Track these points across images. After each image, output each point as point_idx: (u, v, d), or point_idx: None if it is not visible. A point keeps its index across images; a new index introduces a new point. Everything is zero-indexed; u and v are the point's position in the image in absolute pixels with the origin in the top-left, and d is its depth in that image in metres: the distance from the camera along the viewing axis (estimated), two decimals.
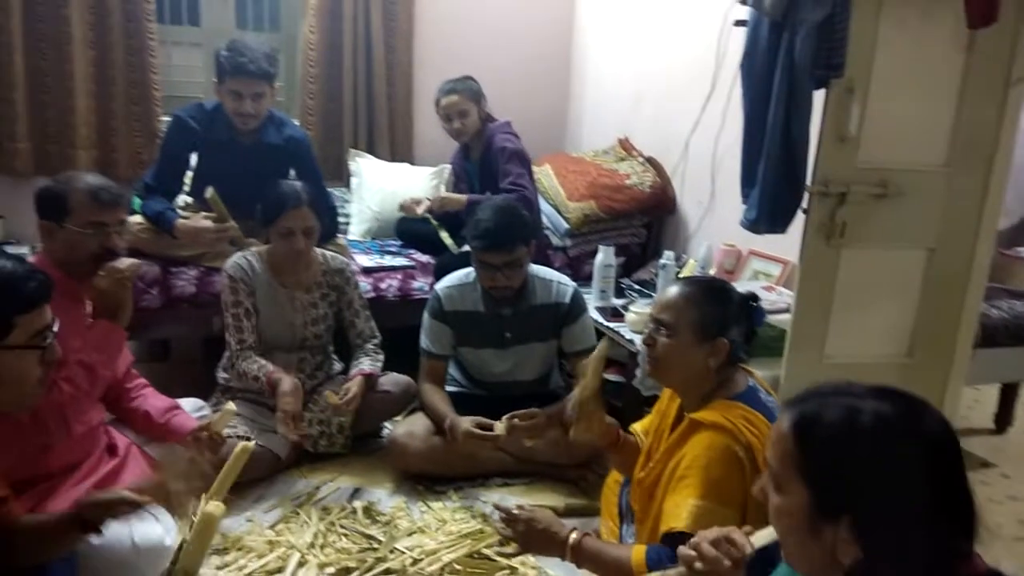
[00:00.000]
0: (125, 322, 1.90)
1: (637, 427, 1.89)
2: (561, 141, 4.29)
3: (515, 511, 1.65)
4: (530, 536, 1.63)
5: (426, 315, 2.51)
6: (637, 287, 3.14)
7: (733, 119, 2.67)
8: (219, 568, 1.93)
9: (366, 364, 2.53)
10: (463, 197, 3.04)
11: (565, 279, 2.56)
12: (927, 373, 2.30)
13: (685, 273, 3.04)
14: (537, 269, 2.54)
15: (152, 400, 2.08)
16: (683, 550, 1.15)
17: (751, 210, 2.18)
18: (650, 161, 3.52)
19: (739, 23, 2.29)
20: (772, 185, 2.10)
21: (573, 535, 1.59)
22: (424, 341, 2.52)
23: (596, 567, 1.58)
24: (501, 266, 2.33)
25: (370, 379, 2.49)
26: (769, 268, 2.83)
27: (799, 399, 1.02)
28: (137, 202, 2.90)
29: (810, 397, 1.01)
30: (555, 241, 3.40)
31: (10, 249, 3.14)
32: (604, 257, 2.96)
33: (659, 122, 3.51)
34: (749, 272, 2.89)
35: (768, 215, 2.14)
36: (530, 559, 2.03)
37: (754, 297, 1.67)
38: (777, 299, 2.50)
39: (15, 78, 3.27)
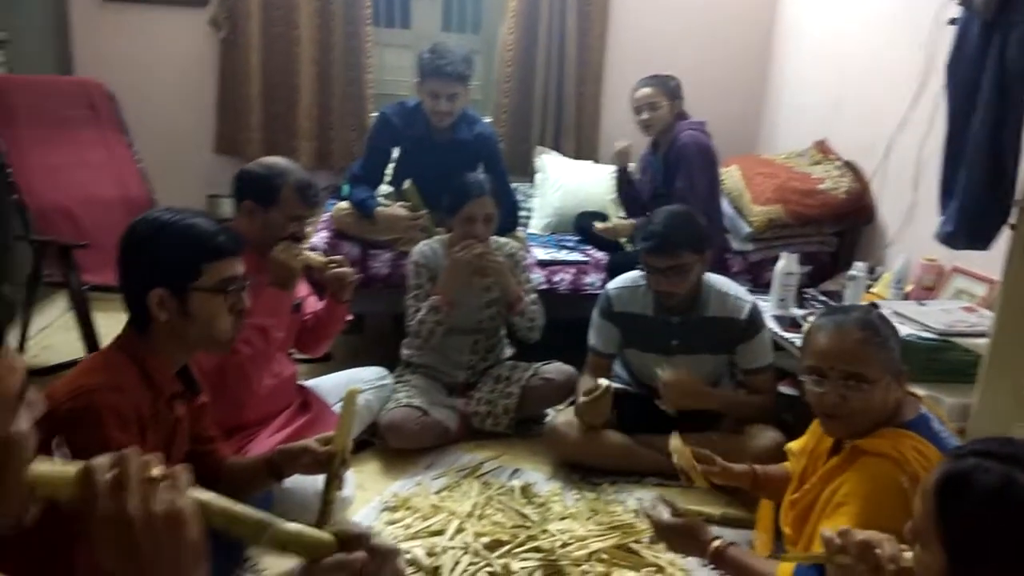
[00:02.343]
0: (292, 289, 2.13)
1: (793, 446, 1.84)
2: (754, 143, 4.17)
3: (654, 516, 1.67)
4: (672, 534, 1.65)
5: (595, 313, 2.56)
6: (823, 298, 2.99)
7: (940, 123, 2.48)
8: (388, 524, 2.13)
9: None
10: (630, 223, 3.08)
11: (743, 293, 2.49)
12: None
13: (879, 287, 2.87)
14: (714, 280, 2.48)
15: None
16: (826, 532, 1.13)
17: (948, 223, 2.03)
18: (848, 165, 3.34)
19: (952, 22, 2.13)
20: (974, 197, 1.94)
21: (717, 541, 1.59)
22: (591, 338, 2.56)
23: (736, 574, 1.57)
24: (665, 270, 2.32)
25: (520, 300, 2.61)
26: (974, 287, 2.60)
27: (958, 453, 0.95)
28: (346, 189, 3.21)
29: (969, 455, 0.93)
30: (735, 245, 3.32)
31: None
32: (786, 264, 2.85)
33: (860, 125, 3.31)
34: (951, 290, 2.66)
35: (967, 229, 1.98)
36: (679, 561, 2.03)
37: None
38: (977, 321, 2.30)
39: (252, 76, 3.72)
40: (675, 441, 1.88)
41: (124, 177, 3.12)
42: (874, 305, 1.62)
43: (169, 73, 3.76)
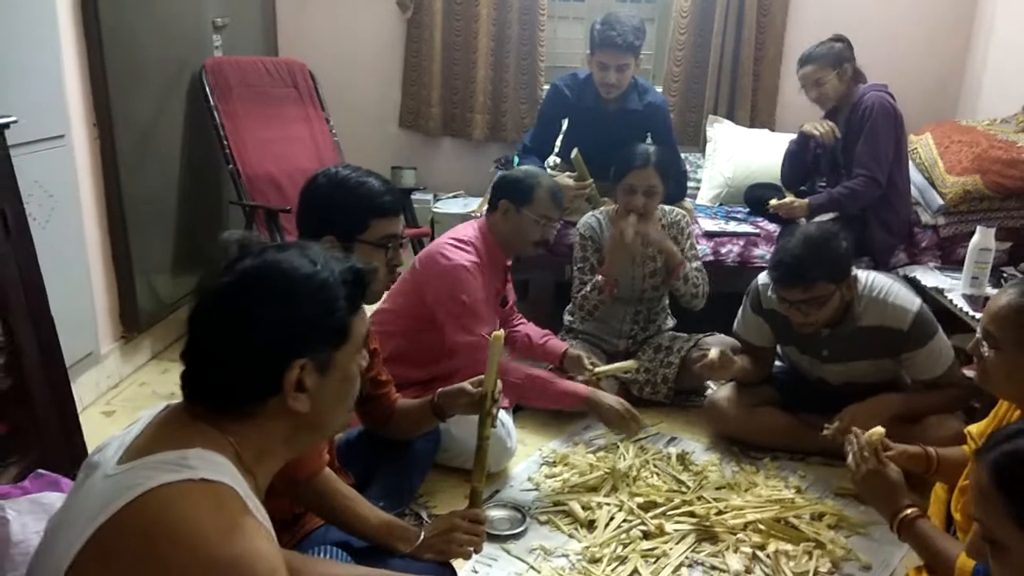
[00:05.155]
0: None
1: (973, 429, 1.74)
2: (953, 109, 3.83)
3: (865, 450, 1.61)
4: (871, 483, 1.60)
5: (745, 301, 2.42)
6: (1022, 278, 2.74)
7: None
8: (547, 477, 2.24)
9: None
10: (805, 202, 2.93)
11: (905, 298, 2.19)
12: None
13: None
14: (873, 282, 2.21)
15: (531, 327, 2.57)
16: None
17: None
18: None
19: None
20: None
21: (911, 509, 1.55)
22: (736, 324, 2.45)
23: (919, 548, 1.54)
24: (796, 302, 2.12)
25: (682, 265, 2.61)
26: None
27: (987, 447, 0.97)
28: (516, 160, 3.33)
29: (998, 443, 0.95)
30: (925, 219, 3.10)
31: (418, 195, 3.83)
32: (982, 239, 2.63)
33: None
34: None
35: None
36: (840, 539, 1.99)
37: None
38: None
39: (434, 53, 3.91)
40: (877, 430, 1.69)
41: (322, 150, 3.42)
42: None
43: (360, 52, 4.04)
